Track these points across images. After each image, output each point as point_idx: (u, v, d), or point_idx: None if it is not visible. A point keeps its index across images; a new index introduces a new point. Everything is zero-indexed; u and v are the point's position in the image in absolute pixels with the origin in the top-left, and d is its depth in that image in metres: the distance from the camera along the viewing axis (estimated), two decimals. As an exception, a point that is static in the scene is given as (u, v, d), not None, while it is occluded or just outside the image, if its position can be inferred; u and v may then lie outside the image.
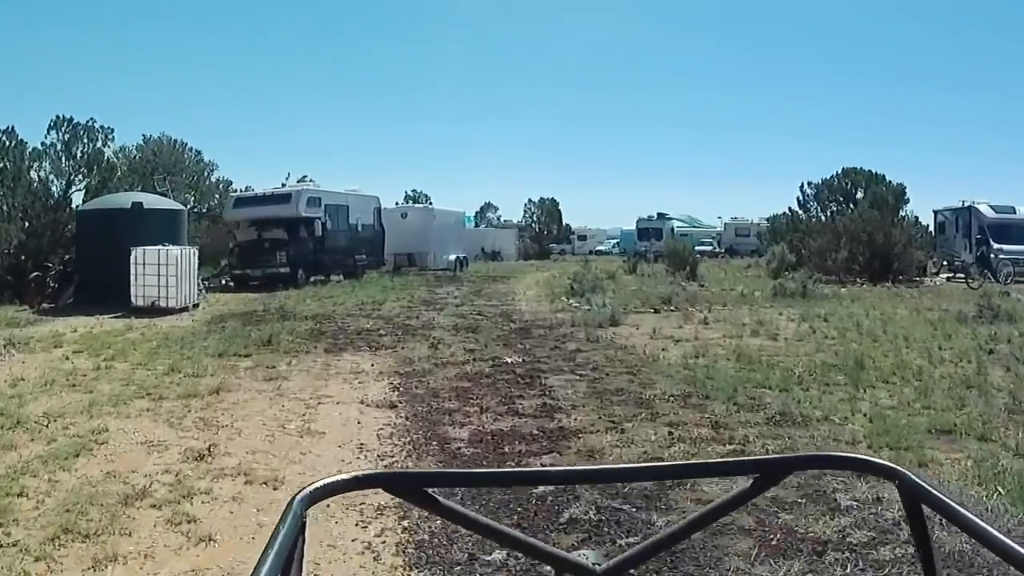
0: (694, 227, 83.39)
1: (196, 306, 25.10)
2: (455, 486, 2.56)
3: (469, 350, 15.69)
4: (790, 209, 51.37)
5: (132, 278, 23.89)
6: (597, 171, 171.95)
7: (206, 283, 34.27)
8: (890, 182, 47.18)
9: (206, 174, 48.21)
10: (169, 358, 14.81)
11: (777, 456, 1.59)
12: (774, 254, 43.28)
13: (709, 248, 76.25)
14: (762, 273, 45.36)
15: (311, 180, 38.62)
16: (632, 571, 1.32)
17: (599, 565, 1.27)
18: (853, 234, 39.76)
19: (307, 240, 36.10)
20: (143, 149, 44.98)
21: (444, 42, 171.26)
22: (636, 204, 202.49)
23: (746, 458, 1.88)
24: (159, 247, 24.17)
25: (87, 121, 31.56)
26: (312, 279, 35.89)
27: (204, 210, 44.74)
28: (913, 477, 1.19)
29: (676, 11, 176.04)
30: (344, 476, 1.24)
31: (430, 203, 48.84)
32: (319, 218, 36.46)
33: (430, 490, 1.24)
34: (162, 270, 23.89)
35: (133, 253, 23.87)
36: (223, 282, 36.62)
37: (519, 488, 6.85)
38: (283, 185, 40.15)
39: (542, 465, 7.85)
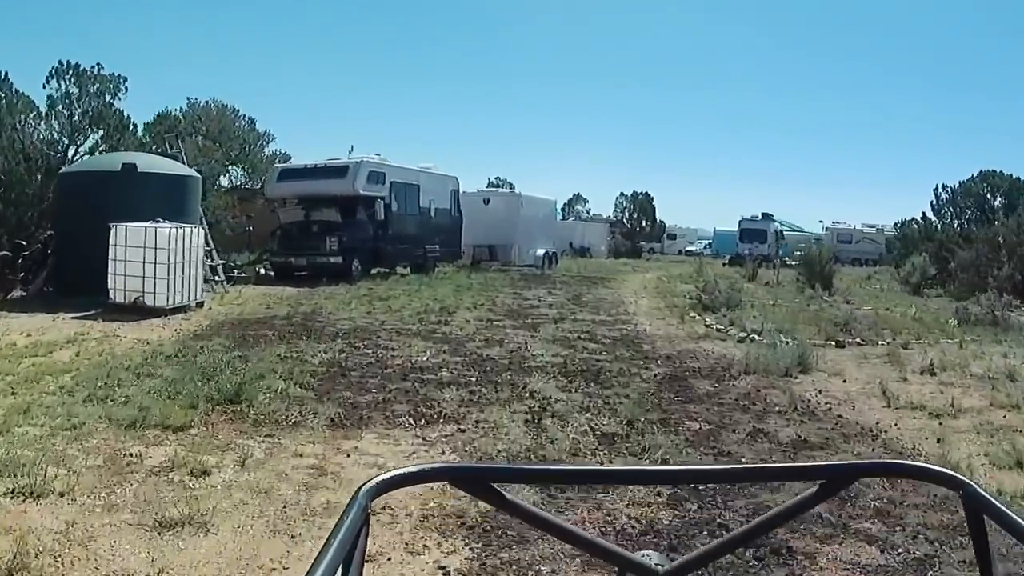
0: (794, 230, 75.29)
1: (200, 305, 18.16)
2: (523, 482, 2.48)
3: (601, 434, 8.28)
4: (923, 216, 43.20)
5: (110, 265, 17.08)
6: (687, 170, 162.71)
7: (236, 271, 27.66)
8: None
9: (259, 145, 41.34)
10: (36, 421, 7.82)
11: (843, 463, 1.50)
12: (913, 266, 35.28)
13: (801, 254, 68.62)
14: (893, 285, 37.94)
15: (377, 155, 31.72)
16: (695, 573, 1.32)
17: (662, 566, 1.27)
18: (1012, 246, 31.64)
19: (366, 224, 29.32)
20: (187, 115, 38.43)
21: (534, 26, 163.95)
22: (726, 206, 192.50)
23: (812, 464, 1.76)
24: (147, 224, 17.27)
25: (92, 67, 24.70)
26: (371, 272, 29.07)
27: (258, 187, 37.86)
28: (977, 488, 1.16)
29: (779, 11, 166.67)
30: (411, 468, 1.22)
31: (516, 190, 41.55)
32: (382, 198, 29.65)
33: (495, 485, 1.22)
34: (149, 255, 16.92)
35: (112, 231, 17.05)
36: (261, 271, 30.01)
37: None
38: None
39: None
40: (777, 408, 9.83)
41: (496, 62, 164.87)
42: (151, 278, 16.91)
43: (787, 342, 14.47)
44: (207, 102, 39.90)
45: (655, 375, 11.75)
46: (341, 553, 0.99)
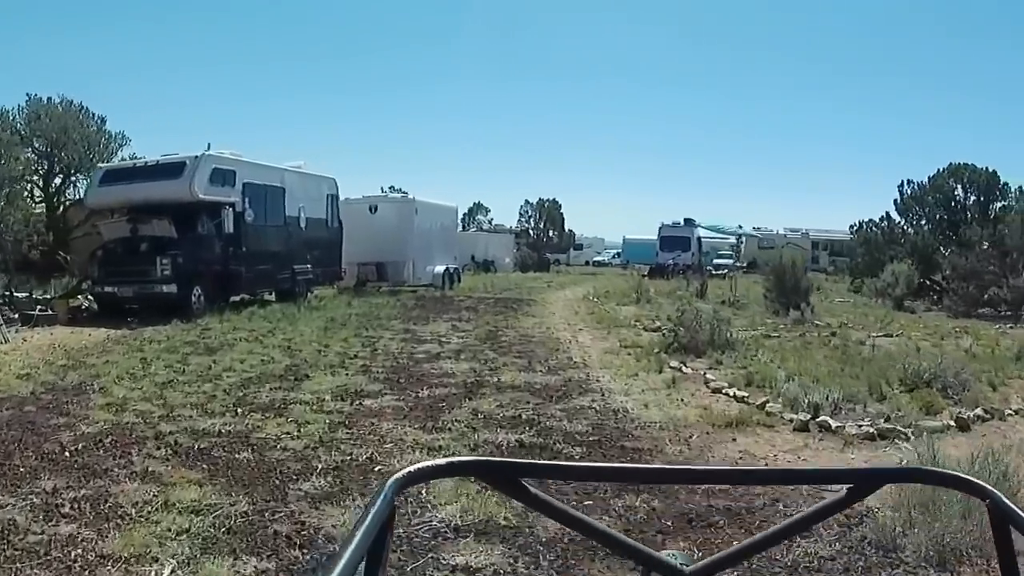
0: (720, 235, 70.06)
1: None
2: (550, 477, 2.31)
3: None
4: (887, 216, 37.44)
5: None
6: (589, 175, 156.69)
7: (40, 308, 20.18)
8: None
9: (110, 148, 33.20)
10: None
11: (871, 468, 1.92)
12: (895, 276, 29.44)
13: (729, 262, 62.98)
14: (856, 298, 32.25)
15: (232, 153, 24.34)
16: (720, 573, 1.30)
17: (687, 566, 1.26)
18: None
19: (210, 240, 22.03)
20: (22, 112, 30.40)
21: (420, 23, 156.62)
22: (632, 213, 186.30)
23: (841, 468, 1.93)
24: None
25: None
26: (222, 302, 21.79)
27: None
28: (1003, 498, 1.14)
29: (680, 12, 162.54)
30: (439, 461, 1.21)
31: (409, 195, 33.95)
32: (232, 204, 22.36)
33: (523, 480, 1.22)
34: None
35: None
36: (84, 304, 22.50)
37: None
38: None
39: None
40: None
41: (383, 63, 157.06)
42: None
43: (887, 425, 8.15)
44: (49, 99, 31.84)
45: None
46: (366, 544, 0.97)
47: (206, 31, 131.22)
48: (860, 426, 8.51)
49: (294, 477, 6.67)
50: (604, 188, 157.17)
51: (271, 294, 25.14)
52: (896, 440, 8.08)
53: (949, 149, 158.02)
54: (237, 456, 7.35)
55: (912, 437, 7.91)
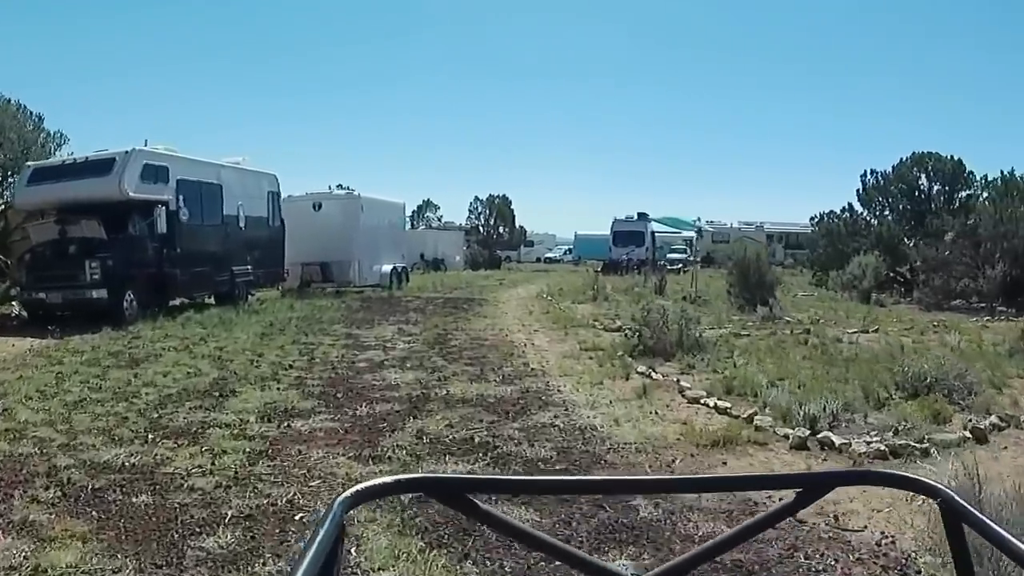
0: (674, 229, 69.33)
1: None
2: (498, 492, 2.36)
3: None
4: (849, 207, 36.82)
5: None
6: (541, 173, 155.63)
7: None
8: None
9: (47, 147, 31.44)
10: None
11: (819, 471, 2.04)
12: (862, 268, 28.71)
13: (682, 256, 62.10)
14: (814, 288, 31.69)
15: (167, 148, 22.98)
16: None
17: (637, 575, 1.37)
18: (997, 239, 25.36)
19: (142, 241, 20.61)
20: None
21: (365, 19, 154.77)
22: (582, 209, 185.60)
23: (789, 473, 1.76)
24: None
25: None
26: (158, 307, 20.42)
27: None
28: (955, 496, 1.15)
29: (630, 10, 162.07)
30: (386, 479, 1.21)
31: (354, 191, 32.41)
32: (165, 202, 20.92)
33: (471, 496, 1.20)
34: None
35: None
36: (14, 313, 21.08)
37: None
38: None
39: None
40: None
41: (330, 62, 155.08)
42: None
43: (899, 440, 7.23)
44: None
45: None
46: (316, 565, 0.95)
47: (164, 29, 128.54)
48: (868, 442, 7.54)
49: (196, 530, 5.48)
50: (554, 185, 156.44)
51: (210, 297, 23.84)
52: (912, 457, 7.14)
53: (908, 142, 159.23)
54: (135, 500, 6.13)
55: (935, 454, 6.97)
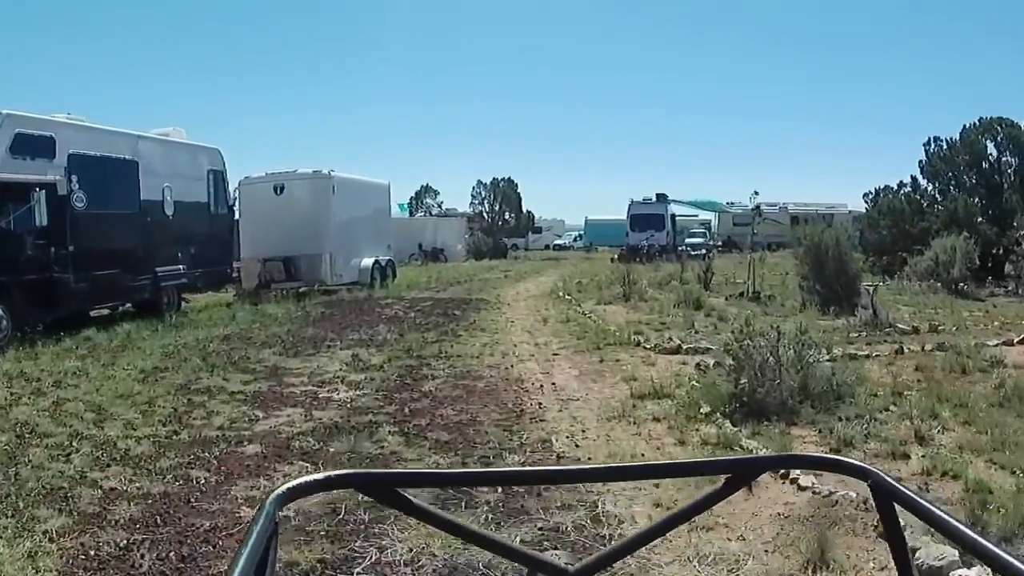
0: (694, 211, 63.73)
1: None
2: (427, 486, 2.25)
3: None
4: (912, 179, 30.85)
5: None
6: (545, 155, 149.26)
7: None
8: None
9: None
10: None
11: (748, 456, 1.97)
12: (951, 252, 22.73)
13: (703, 241, 55.85)
14: (872, 276, 25.95)
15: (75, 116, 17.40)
16: (603, 571, 1.27)
17: (571, 565, 1.22)
18: None
19: (14, 237, 14.91)
20: None
21: (367, 10, 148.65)
22: (591, 193, 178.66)
23: (717, 458, 1.63)
24: None
25: None
26: (36, 327, 14.79)
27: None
28: (885, 476, 1.14)
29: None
30: (317, 476, 1.18)
31: (325, 170, 25.98)
32: (52, 184, 15.32)
33: (402, 490, 1.19)
34: None
35: None
36: None
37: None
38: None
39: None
40: None
41: (322, 48, 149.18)
42: None
43: None
44: None
45: None
46: (252, 562, 0.94)
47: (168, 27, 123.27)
48: None
49: None
50: (561, 169, 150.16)
51: (122, 307, 18.21)
52: None
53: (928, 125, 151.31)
54: None
55: None
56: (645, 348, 12.57)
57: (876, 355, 11.59)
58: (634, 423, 8.04)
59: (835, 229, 20.46)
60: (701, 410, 8.12)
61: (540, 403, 9.07)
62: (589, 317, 16.48)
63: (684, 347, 12.29)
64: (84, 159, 16.38)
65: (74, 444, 7.71)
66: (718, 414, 7.92)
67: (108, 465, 7.06)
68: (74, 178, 15.99)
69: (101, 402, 9.49)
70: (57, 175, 15.57)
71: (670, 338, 13.11)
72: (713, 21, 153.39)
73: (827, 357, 9.21)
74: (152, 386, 10.41)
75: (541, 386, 10.06)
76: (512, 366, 11.52)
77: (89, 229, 16.28)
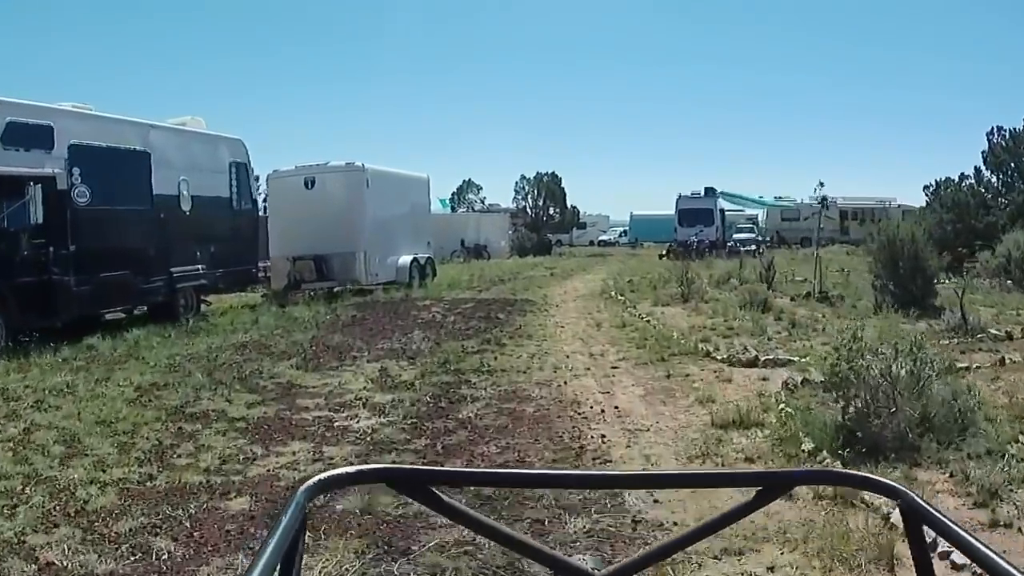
0: (740, 204, 61.62)
1: None
2: (461, 485, 2.21)
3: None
4: (976, 171, 28.80)
5: None
6: (589, 150, 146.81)
7: None
8: None
9: None
10: None
11: (780, 470, 1.72)
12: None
13: (752, 236, 53.34)
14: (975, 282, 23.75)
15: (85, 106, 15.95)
16: None
17: (598, 570, 1.22)
18: None
19: (11, 236, 13.60)
20: None
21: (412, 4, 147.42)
22: (635, 189, 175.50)
23: (750, 471, 1.62)
24: None
25: None
26: (33, 334, 13.39)
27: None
28: (915, 497, 1.10)
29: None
30: (349, 469, 1.17)
31: (358, 163, 23.98)
32: (51, 178, 13.87)
33: (434, 488, 1.16)
34: None
35: None
36: None
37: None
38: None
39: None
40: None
41: (360, 42, 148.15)
42: None
43: None
44: None
45: None
46: (279, 553, 0.94)
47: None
48: None
49: None
50: (605, 164, 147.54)
51: (139, 311, 16.73)
52: None
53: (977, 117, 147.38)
54: None
55: None
56: (716, 360, 10.73)
57: (977, 366, 9.71)
58: (723, 464, 6.28)
59: (910, 224, 18.49)
60: (803, 447, 6.33)
61: (603, 435, 7.27)
62: (647, 321, 14.60)
63: (762, 359, 10.44)
64: (87, 150, 14.84)
65: (27, 490, 6.14)
66: (825, 452, 6.13)
67: (56, 525, 5.45)
68: (76, 171, 14.48)
69: (77, 430, 7.88)
70: (56, 168, 14.08)
71: (745, 348, 11.27)
72: (762, 14, 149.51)
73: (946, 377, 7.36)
74: (141, 409, 8.77)
75: (602, 410, 8.25)
76: (566, 383, 9.72)
77: (93, 227, 14.76)
